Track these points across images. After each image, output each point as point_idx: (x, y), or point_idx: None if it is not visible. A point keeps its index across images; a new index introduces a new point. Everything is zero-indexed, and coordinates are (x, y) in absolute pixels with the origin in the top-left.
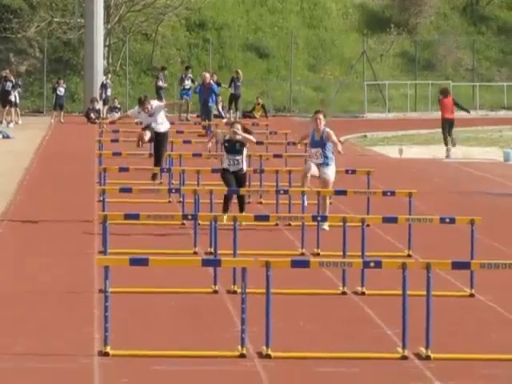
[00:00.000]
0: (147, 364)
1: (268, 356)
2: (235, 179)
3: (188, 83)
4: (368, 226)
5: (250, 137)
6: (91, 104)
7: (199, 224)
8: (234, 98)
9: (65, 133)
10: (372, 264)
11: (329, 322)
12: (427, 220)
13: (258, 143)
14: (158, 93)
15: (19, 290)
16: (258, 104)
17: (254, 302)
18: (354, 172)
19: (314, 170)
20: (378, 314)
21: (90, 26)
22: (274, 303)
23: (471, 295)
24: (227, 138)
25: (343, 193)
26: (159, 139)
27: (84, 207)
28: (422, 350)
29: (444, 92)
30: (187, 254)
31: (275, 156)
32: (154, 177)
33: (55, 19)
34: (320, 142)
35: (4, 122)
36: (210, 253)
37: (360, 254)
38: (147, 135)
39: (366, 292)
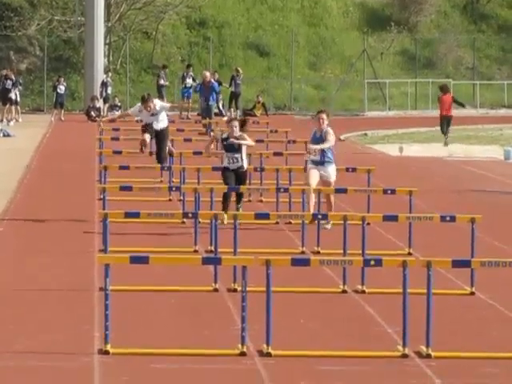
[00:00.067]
0: (147, 362)
1: (268, 354)
2: (235, 177)
3: (189, 81)
4: (368, 224)
5: (248, 141)
6: (91, 102)
7: (199, 222)
8: (234, 97)
9: (65, 131)
10: (372, 262)
11: (329, 320)
12: (428, 218)
13: (259, 141)
14: (160, 91)
15: (19, 289)
16: (259, 102)
17: (254, 300)
18: (354, 170)
19: (315, 181)
20: (378, 313)
21: (91, 24)
22: (274, 301)
23: (472, 293)
24: (225, 136)
25: (344, 191)
26: (160, 137)
27: (84, 205)
28: (423, 348)
29: (443, 89)
30: (188, 252)
31: (275, 154)
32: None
33: (56, 17)
34: (320, 140)
35: (4, 120)
36: (211, 251)
37: (360, 252)
38: (148, 138)
39: (367, 290)
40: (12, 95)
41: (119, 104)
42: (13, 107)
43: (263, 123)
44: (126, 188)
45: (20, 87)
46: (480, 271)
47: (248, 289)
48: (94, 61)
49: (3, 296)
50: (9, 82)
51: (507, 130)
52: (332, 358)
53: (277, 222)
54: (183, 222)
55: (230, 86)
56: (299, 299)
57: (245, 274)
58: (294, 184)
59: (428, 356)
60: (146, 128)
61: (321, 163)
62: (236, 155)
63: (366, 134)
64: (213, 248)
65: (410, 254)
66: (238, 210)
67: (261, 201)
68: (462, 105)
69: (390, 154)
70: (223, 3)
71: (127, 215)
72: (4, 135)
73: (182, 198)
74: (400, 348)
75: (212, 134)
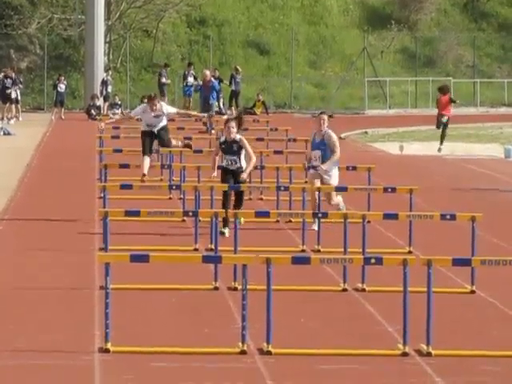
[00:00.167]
0: (148, 360)
1: (269, 353)
2: (234, 177)
3: (190, 80)
4: (369, 222)
5: (251, 153)
6: (92, 101)
7: (200, 220)
8: (234, 95)
9: (65, 129)
10: (373, 260)
11: (329, 318)
12: (428, 217)
13: (259, 140)
14: (161, 89)
15: (20, 287)
16: (259, 100)
17: (254, 298)
18: (354, 168)
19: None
20: (378, 311)
21: (91, 23)
22: (274, 300)
23: (472, 292)
24: (222, 140)
25: (344, 189)
26: (160, 135)
27: (85, 204)
28: (423, 346)
29: (441, 89)
30: (188, 250)
31: (276, 152)
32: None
33: (56, 16)
34: (321, 144)
35: (5, 118)
36: (211, 249)
37: (361, 250)
38: (147, 166)
39: (367, 289)
40: (12, 94)
41: (119, 102)
42: (13, 106)
43: (263, 121)
44: (126, 186)
45: (20, 86)
46: (480, 269)
47: (248, 287)
48: (95, 59)
49: (3, 295)
50: (9, 80)
51: (507, 129)
52: (332, 357)
53: (277, 221)
54: (183, 221)
55: (230, 84)
56: (300, 297)
57: (245, 273)
58: (294, 182)
59: (428, 354)
60: (146, 134)
61: (317, 167)
62: (234, 157)
63: (366, 133)
64: (213, 246)
65: (410, 252)
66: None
67: (261, 199)
68: (453, 101)
69: (391, 152)
70: (223, 2)
71: (127, 213)
72: (4, 134)
73: (182, 196)
74: (400, 346)
75: (213, 131)
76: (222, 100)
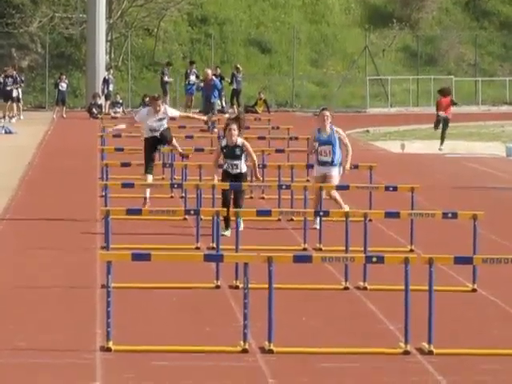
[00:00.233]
0: (149, 359)
1: (270, 351)
2: (235, 180)
3: (192, 78)
4: (370, 220)
5: (252, 152)
6: (93, 99)
7: (201, 219)
8: (235, 94)
9: (67, 128)
10: (374, 259)
11: (331, 317)
12: (429, 215)
13: (260, 138)
14: (164, 88)
15: (21, 286)
16: (260, 99)
17: (256, 297)
18: (356, 167)
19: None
20: (380, 309)
21: (92, 21)
22: (276, 298)
23: (473, 290)
24: (224, 144)
25: (346, 187)
26: (165, 135)
27: (86, 202)
28: (425, 345)
29: (442, 91)
30: (189, 249)
31: (277, 151)
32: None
33: (57, 14)
34: (329, 140)
35: (6, 117)
36: (213, 248)
37: (362, 249)
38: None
39: (369, 287)
40: (13, 92)
41: (121, 101)
42: (14, 104)
43: (265, 120)
44: (127, 185)
45: (22, 84)
46: (482, 268)
47: (250, 286)
48: (96, 58)
49: (4, 294)
50: (10, 79)
51: (509, 127)
52: (334, 355)
53: (279, 219)
54: (185, 219)
55: (232, 83)
56: (301, 296)
57: (247, 271)
58: (295, 181)
59: (430, 353)
60: (150, 143)
61: (328, 164)
62: (236, 162)
63: (367, 131)
64: (215, 245)
65: (411, 250)
66: (240, 219)
67: (263, 198)
68: (455, 103)
69: (392, 150)
70: (225, 0)
71: (129, 212)
72: (6, 132)
73: (183, 194)
74: (402, 345)
75: (215, 130)
76: (224, 98)
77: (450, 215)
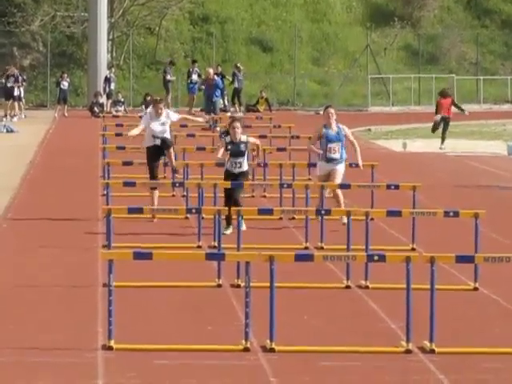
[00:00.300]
0: (151, 358)
1: (272, 350)
2: (237, 178)
3: (195, 77)
4: (372, 219)
5: (254, 140)
6: (95, 98)
7: (203, 218)
8: (236, 92)
9: (68, 127)
10: (376, 258)
11: (333, 315)
12: (431, 213)
13: (262, 137)
14: (166, 86)
15: (23, 285)
16: (262, 98)
17: (257, 295)
18: (357, 165)
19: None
20: (381, 308)
21: (94, 20)
22: (277, 297)
23: (475, 289)
24: (228, 140)
25: (347, 186)
26: (166, 143)
27: (88, 201)
28: (426, 343)
29: (442, 93)
30: (191, 247)
31: (279, 150)
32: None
33: (59, 13)
34: (338, 137)
35: (8, 116)
36: (214, 246)
37: (364, 247)
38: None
39: (370, 286)
40: (15, 91)
41: (122, 100)
42: (16, 103)
43: (266, 119)
44: (129, 184)
45: (24, 83)
46: (483, 266)
47: (251, 284)
48: (98, 56)
49: (6, 292)
50: (11, 78)
51: (510, 126)
52: (335, 354)
53: (280, 218)
54: (187, 218)
55: (233, 82)
56: (303, 295)
57: (248, 270)
58: (297, 179)
59: (431, 351)
60: (153, 152)
61: (335, 160)
62: (240, 159)
63: (369, 130)
64: (216, 244)
65: (413, 249)
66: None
67: (264, 196)
68: (461, 110)
69: (394, 149)
70: None
71: (130, 211)
72: (7, 131)
73: (185, 193)
74: (403, 343)
75: (218, 128)
76: (226, 97)
77: (451, 214)
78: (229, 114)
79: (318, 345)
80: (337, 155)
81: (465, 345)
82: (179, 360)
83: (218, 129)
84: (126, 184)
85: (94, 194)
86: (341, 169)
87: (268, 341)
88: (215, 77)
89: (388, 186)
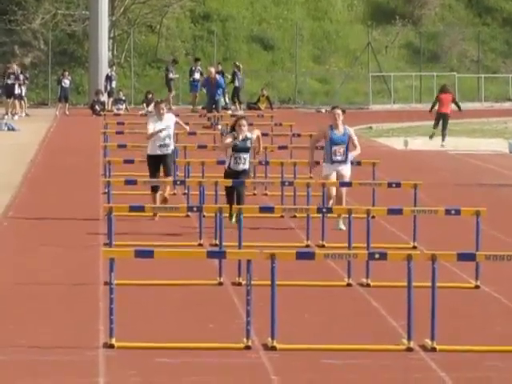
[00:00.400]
0: (152, 356)
1: (273, 348)
2: (238, 176)
3: (197, 76)
4: (373, 217)
5: (257, 132)
6: (96, 96)
7: (204, 216)
8: (237, 91)
9: (70, 125)
10: (377, 256)
11: (334, 313)
12: (432, 211)
13: (263, 135)
14: (168, 84)
15: (24, 282)
16: (263, 96)
17: (259, 294)
18: (359, 163)
19: (335, 178)
20: (383, 306)
21: (95, 18)
22: (279, 295)
23: (476, 287)
24: (235, 135)
25: (348, 184)
26: (166, 163)
27: (89, 200)
28: (428, 341)
29: (443, 89)
30: (192, 245)
31: (280, 148)
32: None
33: (60, 11)
34: (342, 139)
35: (9, 114)
36: (215, 245)
37: (365, 245)
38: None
39: (372, 284)
40: (16, 90)
41: (124, 98)
42: (16, 101)
43: (268, 117)
44: (130, 182)
45: (26, 82)
46: (485, 265)
47: (253, 282)
48: (99, 55)
49: (7, 290)
50: (12, 76)
51: None
52: (336, 352)
53: (282, 216)
54: (188, 216)
55: (233, 81)
56: (304, 293)
57: (249, 268)
58: (298, 177)
59: (433, 349)
60: (151, 160)
61: (340, 162)
62: (245, 156)
63: (370, 128)
64: (217, 242)
65: (414, 247)
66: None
67: (265, 194)
68: (459, 108)
69: (395, 147)
70: None
71: (132, 209)
72: (9, 129)
73: (186, 191)
74: (405, 341)
75: (219, 126)
76: (227, 95)
77: (452, 212)
78: (230, 111)
79: (320, 343)
80: (342, 157)
81: (466, 343)
82: (180, 358)
83: (220, 127)
84: (128, 182)
85: (95, 193)
86: (347, 171)
87: (269, 339)
88: (217, 76)
89: (389, 184)
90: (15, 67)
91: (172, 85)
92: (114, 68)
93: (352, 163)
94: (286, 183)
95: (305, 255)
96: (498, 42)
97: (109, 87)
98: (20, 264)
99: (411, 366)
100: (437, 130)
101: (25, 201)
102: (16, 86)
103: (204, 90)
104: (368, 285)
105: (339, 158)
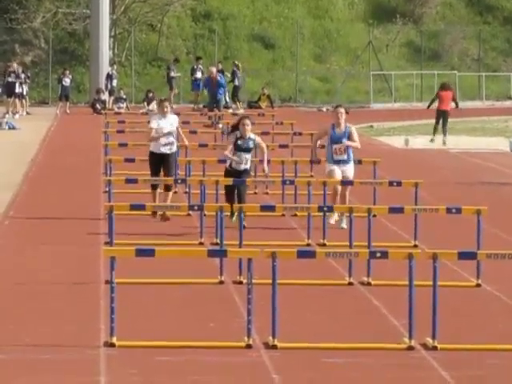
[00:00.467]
0: (153, 355)
1: (274, 347)
2: (239, 176)
3: (199, 74)
4: (374, 216)
5: (262, 143)
6: (97, 95)
7: (205, 215)
8: (237, 90)
9: (70, 124)
10: (378, 254)
11: (335, 312)
12: (433, 210)
13: (264, 133)
14: (170, 83)
15: (24, 282)
16: (264, 94)
17: (260, 292)
18: (360, 162)
19: (340, 177)
20: (384, 305)
21: (96, 17)
22: (280, 294)
23: (478, 285)
24: (239, 135)
25: (350, 183)
26: (172, 158)
27: (90, 198)
28: (429, 340)
29: (443, 86)
30: (193, 244)
31: (281, 146)
32: (163, 217)
33: (61, 10)
34: (342, 137)
35: (10, 113)
36: (216, 243)
37: (366, 244)
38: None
39: (373, 282)
40: (16, 88)
41: (124, 97)
42: (17, 100)
43: (268, 115)
44: (131, 181)
45: (28, 81)
46: (486, 263)
47: (254, 281)
48: (99, 53)
49: (8, 289)
50: (13, 75)
51: None
52: (337, 351)
53: (283, 215)
54: (189, 215)
55: (233, 80)
56: (305, 291)
57: (250, 267)
58: (299, 176)
59: (434, 348)
60: (152, 158)
61: (343, 162)
62: (248, 156)
63: (371, 126)
64: (218, 240)
65: (415, 246)
66: (236, 214)
67: (266, 193)
68: (456, 105)
69: (396, 146)
70: None
71: (133, 207)
72: (9, 128)
73: (187, 190)
74: (406, 340)
75: (220, 125)
76: (227, 94)
77: (453, 210)
78: (230, 110)
79: (321, 341)
80: (343, 156)
81: (467, 341)
82: (181, 357)
83: (220, 125)
84: (128, 181)
85: (96, 191)
86: (350, 171)
87: (270, 337)
88: (218, 75)
89: (390, 183)
90: (15, 65)
91: (174, 83)
92: (115, 67)
93: (355, 162)
94: (287, 182)
95: (306, 254)
96: (499, 40)
97: (109, 86)
98: (21, 263)
99: (412, 364)
100: (436, 133)
101: (26, 200)
102: (17, 85)
103: (206, 90)
104: (369, 283)
105: (340, 157)
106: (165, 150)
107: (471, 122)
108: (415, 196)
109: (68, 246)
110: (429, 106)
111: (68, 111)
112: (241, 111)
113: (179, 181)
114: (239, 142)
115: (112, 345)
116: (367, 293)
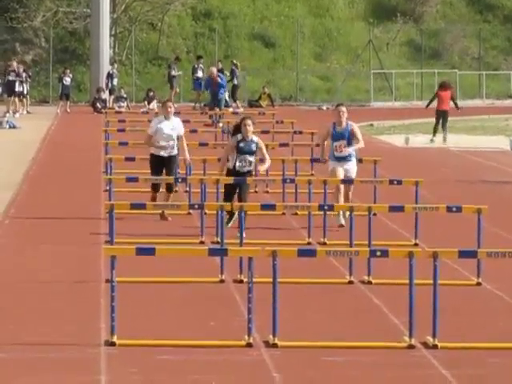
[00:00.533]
0: (154, 353)
1: (275, 345)
2: (240, 185)
3: (200, 73)
4: (375, 214)
5: (266, 155)
6: (97, 94)
7: (206, 213)
8: (236, 89)
9: (71, 123)
10: (379, 253)
11: (335, 311)
12: (434, 209)
13: (264, 132)
14: (171, 82)
15: (25, 281)
16: (264, 93)
17: (260, 291)
18: (360, 161)
19: (342, 175)
20: (384, 303)
21: (96, 16)
22: (280, 292)
23: (478, 284)
24: (240, 137)
25: (350, 182)
26: (173, 161)
27: (90, 197)
28: (429, 338)
29: (443, 86)
30: (194, 243)
31: (281, 145)
32: (162, 216)
33: (61, 9)
34: (344, 135)
35: (10, 111)
36: (217, 242)
37: (367, 242)
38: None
39: (373, 281)
40: (16, 86)
41: (125, 96)
42: (17, 99)
43: (269, 114)
44: (131, 179)
45: (29, 79)
46: (486, 262)
47: (254, 280)
48: (100, 52)
49: (8, 288)
50: (13, 73)
51: None
52: (338, 349)
53: (283, 213)
54: (189, 214)
55: (232, 79)
56: (305, 290)
57: (251, 265)
58: (300, 175)
59: (434, 347)
60: (153, 160)
61: (344, 159)
62: (251, 158)
63: (372, 125)
64: (219, 239)
65: (416, 244)
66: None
67: (267, 192)
68: (456, 105)
69: (396, 144)
70: None
71: (133, 206)
72: (10, 127)
73: (188, 189)
74: (406, 339)
75: (220, 124)
76: (227, 93)
77: (454, 209)
78: (231, 109)
79: (321, 340)
80: (344, 153)
81: (468, 340)
82: (182, 356)
83: (221, 125)
84: (129, 179)
85: (96, 190)
86: (353, 168)
87: (271, 336)
88: (218, 76)
89: (391, 182)
90: (15, 64)
91: (175, 82)
92: (116, 66)
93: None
94: (288, 180)
95: (306, 252)
96: (500, 39)
97: (110, 85)
98: (21, 262)
99: (413, 363)
100: (436, 133)
101: (26, 199)
102: (17, 84)
103: (207, 91)
104: (369, 282)
105: (341, 154)
106: (164, 153)
107: (471, 121)
108: (416, 194)
109: (68, 245)
110: (427, 105)
111: (68, 110)
112: (241, 110)
113: (179, 180)
114: (241, 144)
115: (112, 344)
116: (367, 291)
